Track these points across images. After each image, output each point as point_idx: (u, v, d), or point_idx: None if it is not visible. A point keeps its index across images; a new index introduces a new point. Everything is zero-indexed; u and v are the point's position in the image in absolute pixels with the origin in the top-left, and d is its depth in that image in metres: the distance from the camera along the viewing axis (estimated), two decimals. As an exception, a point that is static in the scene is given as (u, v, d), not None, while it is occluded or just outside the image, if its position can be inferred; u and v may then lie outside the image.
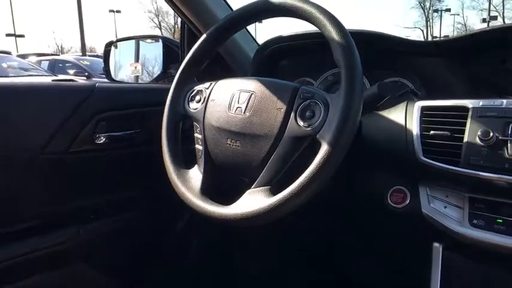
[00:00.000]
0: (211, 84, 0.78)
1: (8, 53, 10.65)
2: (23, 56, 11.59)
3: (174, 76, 1.04)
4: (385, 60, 0.92)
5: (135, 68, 1.24)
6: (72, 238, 0.90)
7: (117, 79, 1.26)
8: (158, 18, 34.88)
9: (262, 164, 0.65)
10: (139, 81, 1.24)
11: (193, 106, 0.79)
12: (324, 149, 0.57)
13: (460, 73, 0.82)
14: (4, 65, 7.82)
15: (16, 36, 23.71)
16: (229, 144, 0.71)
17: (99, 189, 0.95)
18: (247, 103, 0.70)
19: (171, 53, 1.18)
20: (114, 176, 0.97)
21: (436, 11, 31.04)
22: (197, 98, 0.79)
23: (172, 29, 35.63)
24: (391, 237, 0.83)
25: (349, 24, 0.66)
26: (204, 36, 0.79)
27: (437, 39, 0.91)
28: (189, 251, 1.15)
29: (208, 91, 0.77)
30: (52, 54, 14.08)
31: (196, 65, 0.81)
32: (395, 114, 0.75)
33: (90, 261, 0.94)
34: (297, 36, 1.00)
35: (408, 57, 0.87)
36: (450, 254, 0.68)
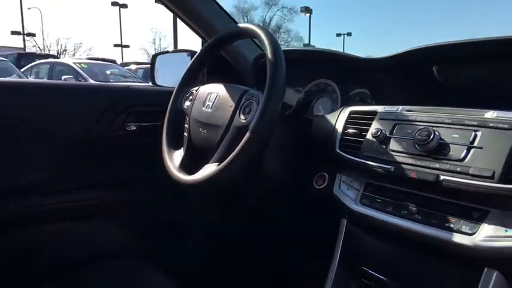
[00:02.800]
0: (198, 87, 1.04)
1: (113, 61, 12.01)
2: (125, 64, 12.98)
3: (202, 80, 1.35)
4: (353, 74, 1.10)
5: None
6: (101, 198, 1.21)
7: (158, 84, 1.58)
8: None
9: (216, 147, 0.89)
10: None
11: (187, 104, 1.05)
12: (247, 134, 0.78)
13: (400, 84, 0.97)
14: (108, 72, 8.92)
15: (122, 46, 26.57)
16: (200, 132, 0.95)
17: (124, 166, 1.25)
18: (214, 102, 0.94)
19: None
20: (137, 157, 1.26)
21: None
22: (190, 97, 1.05)
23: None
24: (313, 212, 1.00)
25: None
26: (197, 54, 1.06)
27: (375, 57, 1.06)
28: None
29: (196, 93, 1.03)
30: (148, 64, 15.48)
31: (193, 74, 1.08)
32: (334, 117, 0.93)
33: (112, 218, 1.24)
34: (291, 51, 1.22)
35: (363, 72, 1.04)
36: (351, 227, 0.84)
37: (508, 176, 0.60)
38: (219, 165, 0.83)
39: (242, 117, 0.86)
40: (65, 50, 28.89)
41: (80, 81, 7.85)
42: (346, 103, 1.08)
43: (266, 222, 1.28)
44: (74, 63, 8.44)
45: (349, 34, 32.56)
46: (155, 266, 1.05)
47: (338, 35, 32.96)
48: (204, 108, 0.96)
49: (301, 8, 30.07)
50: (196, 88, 1.05)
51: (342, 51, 1.10)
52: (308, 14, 29.85)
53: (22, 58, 11.24)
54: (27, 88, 1.14)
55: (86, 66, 8.42)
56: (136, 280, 0.99)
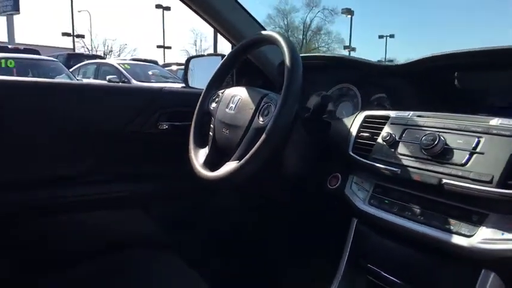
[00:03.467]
0: (224, 90, 1.11)
1: (155, 62, 12.39)
2: (167, 65, 13.36)
3: (228, 83, 1.43)
4: (373, 80, 1.13)
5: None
6: (133, 190, 1.31)
7: (191, 85, 1.67)
8: (287, 33, 36.42)
9: (237, 146, 0.95)
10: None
11: (213, 105, 1.12)
12: (263, 136, 0.84)
13: (417, 90, 0.99)
14: (150, 72, 9.25)
15: (164, 47, 27.36)
16: (224, 132, 1.02)
17: (156, 161, 1.34)
18: (236, 104, 1.01)
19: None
20: (168, 153, 1.34)
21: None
22: (216, 99, 1.12)
23: (300, 43, 36.73)
24: (325, 211, 1.03)
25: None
26: (223, 60, 1.13)
27: (391, 63, 1.09)
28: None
29: (221, 95, 1.10)
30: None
31: (219, 78, 1.15)
32: (350, 121, 0.97)
33: (141, 209, 1.34)
34: (310, 57, 1.26)
35: (382, 77, 1.07)
36: (360, 227, 0.88)
37: (507, 181, 0.62)
38: (238, 163, 0.89)
39: (261, 119, 0.92)
40: (111, 51, 30.17)
41: (123, 81, 8.21)
42: (365, 107, 1.12)
43: (280, 220, 1.34)
44: (118, 64, 8.82)
45: (391, 36, 31.85)
46: (178, 255, 1.13)
47: (380, 36, 32.33)
48: (227, 110, 1.03)
49: (342, 9, 29.79)
50: (222, 91, 1.12)
51: (360, 58, 1.13)
52: (349, 16, 29.49)
53: (71, 58, 11.85)
54: (70, 89, 1.26)
55: (129, 67, 8.78)
56: (158, 267, 1.07)
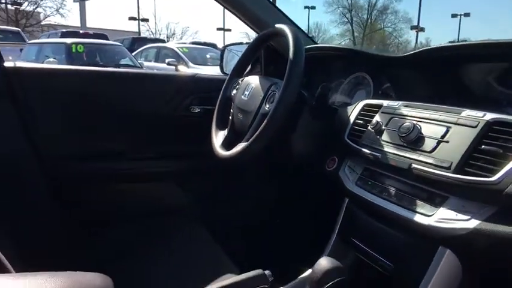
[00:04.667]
0: (243, 79, 1.22)
1: (213, 45, 12.68)
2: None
3: (258, 71, 1.55)
4: (383, 69, 1.18)
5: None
6: (168, 166, 1.48)
7: (226, 72, 1.80)
8: (351, 13, 35.27)
9: (248, 129, 1.07)
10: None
11: (233, 92, 1.24)
12: (265, 121, 0.95)
13: (421, 80, 1.04)
14: (207, 56, 9.54)
15: (224, 30, 27.79)
16: (239, 116, 1.14)
17: (188, 141, 1.49)
18: (249, 91, 1.12)
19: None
20: (199, 134, 1.49)
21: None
22: (236, 87, 1.24)
23: (364, 24, 35.49)
24: (323, 191, 1.11)
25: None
26: (244, 51, 1.24)
27: (394, 55, 1.10)
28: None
29: (241, 83, 1.22)
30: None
31: (241, 67, 1.27)
32: (351, 108, 1.05)
33: (175, 182, 1.51)
34: (327, 48, 1.33)
35: (388, 67, 1.12)
36: (351, 206, 0.96)
37: (464, 167, 0.68)
38: (245, 144, 1.01)
39: (267, 105, 1.03)
40: (174, 34, 31.17)
41: (181, 63, 8.56)
42: (376, 96, 1.18)
43: (284, 198, 1.45)
44: (177, 47, 9.18)
45: (466, 15, 29.51)
46: (205, 225, 1.28)
47: (454, 15, 30.13)
48: (242, 97, 1.15)
49: (411, -14, 28.10)
50: (242, 79, 1.24)
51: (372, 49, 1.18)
52: (419, -7, 27.83)
53: (136, 42, 12.52)
54: (117, 76, 1.44)
55: (187, 50, 9.11)
56: (186, 235, 1.22)
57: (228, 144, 1.16)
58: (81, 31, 11.79)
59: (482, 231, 0.64)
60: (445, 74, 0.98)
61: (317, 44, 1.48)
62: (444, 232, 0.69)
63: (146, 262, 1.05)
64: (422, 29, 29.86)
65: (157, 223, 1.28)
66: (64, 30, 11.84)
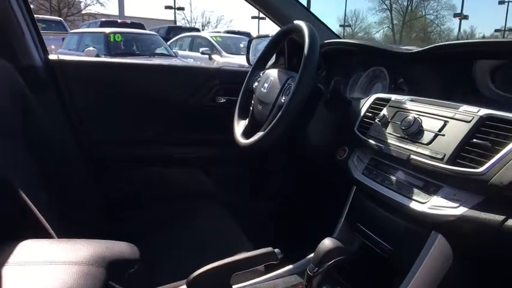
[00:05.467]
0: (264, 71, 1.30)
1: (248, 34, 12.76)
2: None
3: (282, 64, 1.63)
4: (398, 64, 1.22)
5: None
6: (195, 152, 1.59)
7: (251, 64, 1.88)
8: (390, 0, 34.27)
9: (265, 119, 1.15)
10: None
11: (255, 84, 1.32)
12: (280, 112, 1.02)
13: (433, 76, 1.07)
14: (241, 45, 9.61)
15: (259, 18, 27.73)
16: (258, 108, 1.22)
17: (213, 129, 1.59)
18: (268, 84, 1.20)
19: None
20: (224, 123, 1.59)
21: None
22: (258, 79, 1.32)
23: (404, 11, 34.37)
24: (334, 179, 1.18)
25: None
26: (265, 46, 1.32)
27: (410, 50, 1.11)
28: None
29: (262, 75, 1.30)
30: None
31: (262, 61, 1.34)
32: (364, 101, 1.10)
33: (200, 168, 1.62)
34: (345, 43, 1.38)
35: (401, 63, 1.16)
36: (358, 194, 1.02)
37: (455, 159, 0.73)
38: (262, 134, 1.10)
39: (283, 98, 1.10)
40: (209, 23, 31.45)
41: (215, 52, 8.69)
42: (391, 90, 1.22)
43: (299, 185, 1.53)
44: (211, 36, 9.31)
45: (515, 1, 28.01)
46: (228, 207, 1.38)
47: (501, 2, 28.65)
48: (262, 89, 1.23)
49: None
50: (262, 72, 1.31)
51: (380, 42, 1.22)
52: (463, -22, 26.63)
53: (171, 31, 12.77)
54: (150, 68, 1.56)
55: (220, 39, 9.21)
56: (210, 217, 1.32)
57: (247, 133, 1.24)
58: (119, 20, 12.17)
59: (468, 217, 0.70)
60: (454, 70, 1.02)
61: (340, 38, 1.53)
62: (436, 218, 0.75)
63: (169, 238, 1.16)
64: (465, 17, 28.62)
65: (182, 204, 1.39)
66: (103, 19, 12.27)
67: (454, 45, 1.00)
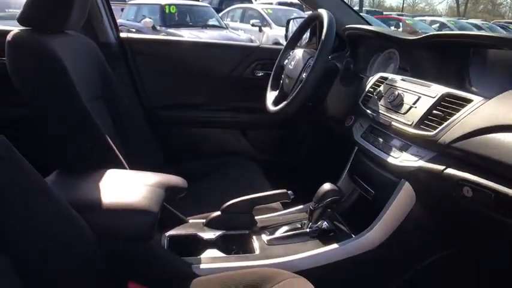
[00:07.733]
0: (293, 51, 1.56)
1: (300, 6, 12.70)
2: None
3: (314, 43, 1.88)
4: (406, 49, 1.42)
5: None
6: (236, 117, 1.89)
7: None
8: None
9: (290, 92, 1.42)
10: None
11: (285, 61, 1.58)
12: (299, 86, 1.29)
13: (431, 61, 1.27)
14: (292, 17, 9.72)
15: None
16: (286, 81, 1.49)
17: (252, 98, 1.83)
18: (295, 62, 1.46)
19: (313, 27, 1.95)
20: (261, 93, 1.86)
21: None
22: (288, 57, 1.58)
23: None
24: (341, 140, 1.42)
25: None
26: (296, 27, 1.57)
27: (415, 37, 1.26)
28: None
29: (291, 54, 1.56)
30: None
31: (293, 41, 1.60)
32: (370, 79, 1.34)
33: (240, 131, 1.92)
34: (362, 29, 1.59)
35: (407, 47, 1.37)
36: (358, 153, 1.28)
37: (420, 125, 0.98)
38: (285, 103, 1.37)
39: (304, 74, 1.36)
40: (262, -8, 31.05)
41: (265, 25, 8.86)
42: (399, 71, 1.44)
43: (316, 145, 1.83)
44: (262, 8, 9.45)
45: None
46: (260, 162, 1.68)
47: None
48: (290, 66, 1.49)
49: None
50: (292, 50, 1.57)
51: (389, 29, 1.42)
52: None
53: (223, 2, 12.97)
54: (201, 45, 1.87)
55: (271, 11, 9.34)
56: (245, 173, 1.61)
57: (276, 102, 1.52)
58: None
59: (423, 167, 0.95)
60: (451, 57, 1.21)
61: (364, 24, 1.73)
62: (403, 168, 1.01)
63: (209, 182, 1.49)
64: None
65: (222, 160, 1.71)
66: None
67: (450, 35, 1.21)
